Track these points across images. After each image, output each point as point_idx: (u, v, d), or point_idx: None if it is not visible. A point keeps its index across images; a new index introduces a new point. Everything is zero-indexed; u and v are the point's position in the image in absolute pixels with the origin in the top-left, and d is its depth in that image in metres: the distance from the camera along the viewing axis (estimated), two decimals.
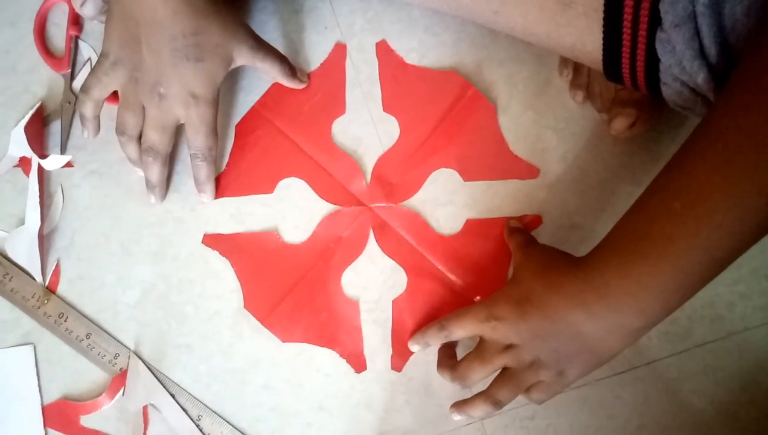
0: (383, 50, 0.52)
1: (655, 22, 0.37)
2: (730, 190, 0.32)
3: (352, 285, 0.49)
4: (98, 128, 0.49)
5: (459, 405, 0.44)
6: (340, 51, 0.51)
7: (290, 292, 0.49)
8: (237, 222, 0.50)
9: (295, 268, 0.49)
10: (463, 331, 0.44)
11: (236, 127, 0.51)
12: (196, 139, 0.46)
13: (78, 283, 0.49)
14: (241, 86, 0.51)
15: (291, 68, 0.49)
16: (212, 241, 0.50)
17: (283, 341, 0.48)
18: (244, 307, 0.49)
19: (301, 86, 0.50)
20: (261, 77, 0.51)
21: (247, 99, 0.51)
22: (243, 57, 0.45)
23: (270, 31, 0.52)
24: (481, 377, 0.43)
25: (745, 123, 0.32)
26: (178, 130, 0.48)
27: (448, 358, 0.46)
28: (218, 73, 0.44)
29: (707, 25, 0.34)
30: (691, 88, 0.37)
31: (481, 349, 0.43)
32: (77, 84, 0.52)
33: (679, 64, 0.36)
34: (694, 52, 0.35)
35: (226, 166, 0.50)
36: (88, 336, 0.48)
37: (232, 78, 0.51)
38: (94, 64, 0.51)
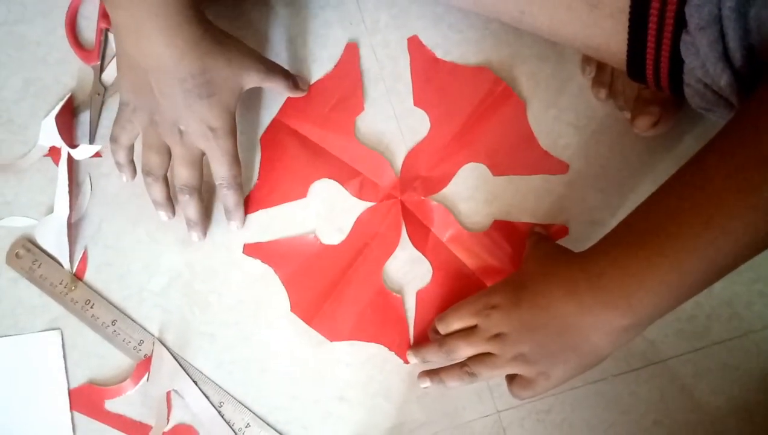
0: (415, 45, 0.52)
1: (680, 24, 0.37)
2: (743, 197, 0.32)
3: (392, 279, 0.50)
4: (134, 172, 0.49)
5: (431, 372, 0.46)
6: (351, 51, 0.52)
7: (333, 291, 0.49)
8: (269, 230, 0.51)
9: (336, 267, 0.50)
10: (460, 321, 0.45)
11: (261, 139, 0.51)
12: (221, 169, 0.46)
13: (105, 270, 0.51)
14: (260, 99, 0.52)
15: (294, 81, 0.50)
16: (253, 250, 0.50)
17: (331, 341, 0.49)
18: (291, 311, 0.50)
19: (303, 94, 0.51)
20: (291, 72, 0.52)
21: (266, 112, 0.52)
22: (252, 82, 0.46)
23: (295, 26, 0.53)
24: (464, 356, 0.44)
25: (765, 136, 0.32)
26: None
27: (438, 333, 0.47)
28: (231, 103, 0.45)
29: (733, 29, 0.35)
30: (713, 91, 0.38)
31: (470, 331, 0.44)
32: (106, 76, 0.53)
33: (703, 66, 0.36)
34: (717, 55, 0.35)
35: (258, 179, 0.51)
36: (113, 322, 0.49)
37: (249, 95, 0.52)
38: None
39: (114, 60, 0.53)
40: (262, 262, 0.50)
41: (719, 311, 0.49)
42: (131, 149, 0.48)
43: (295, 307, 0.50)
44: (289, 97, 0.52)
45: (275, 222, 0.51)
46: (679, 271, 0.35)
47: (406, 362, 0.49)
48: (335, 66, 0.52)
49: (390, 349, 0.49)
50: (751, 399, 0.48)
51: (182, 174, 0.46)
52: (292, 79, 0.50)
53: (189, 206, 0.48)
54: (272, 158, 0.51)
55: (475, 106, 0.51)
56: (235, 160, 0.47)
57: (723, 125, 0.36)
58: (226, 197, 0.48)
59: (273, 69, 0.48)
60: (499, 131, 0.51)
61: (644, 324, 0.37)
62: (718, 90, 0.37)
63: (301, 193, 0.51)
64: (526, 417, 0.48)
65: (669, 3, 0.37)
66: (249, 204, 0.51)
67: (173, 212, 0.50)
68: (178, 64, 0.42)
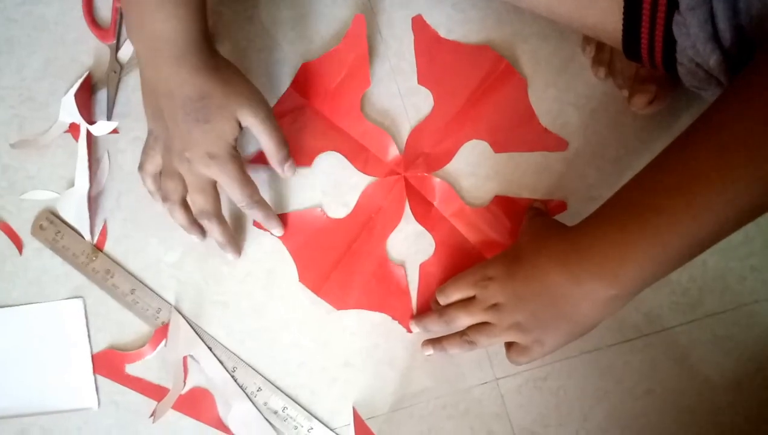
0: (419, 25, 0.53)
1: (673, 4, 0.38)
2: (726, 173, 0.34)
3: (395, 251, 0.52)
4: None
5: (434, 340, 0.48)
6: (359, 23, 0.52)
7: (339, 263, 0.52)
8: (278, 194, 0.53)
9: (341, 240, 0.52)
10: (459, 292, 0.47)
11: (273, 109, 0.53)
12: (233, 192, 0.47)
13: (123, 241, 0.53)
14: (281, 60, 0.54)
15: (286, 155, 0.49)
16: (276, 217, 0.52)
17: (338, 309, 0.51)
18: (300, 281, 0.52)
19: (283, 175, 0.50)
20: (296, 52, 0.54)
21: (288, 73, 0.54)
22: (246, 120, 0.46)
23: (302, 6, 0.54)
24: (463, 325, 0.47)
25: (749, 115, 0.34)
26: None
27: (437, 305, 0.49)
28: (227, 131, 0.45)
29: (722, 9, 0.36)
30: (705, 70, 0.39)
31: (469, 301, 0.46)
32: (122, 54, 0.55)
33: (694, 46, 0.38)
34: (707, 35, 0.37)
35: None
36: (132, 291, 0.52)
37: (270, 53, 0.54)
38: None
39: (129, 39, 0.55)
40: (272, 234, 0.52)
41: (712, 285, 0.50)
42: (157, 177, 0.50)
43: (303, 278, 0.52)
44: (300, 70, 0.53)
45: (283, 197, 0.53)
46: (663, 244, 0.36)
47: (409, 331, 0.51)
48: (343, 39, 0.53)
49: (393, 318, 0.51)
50: (741, 369, 0.50)
51: (196, 201, 0.47)
52: (286, 152, 0.49)
53: (213, 230, 0.49)
54: (282, 126, 0.52)
55: (477, 84, 0.52)
56: (245, 182, 0.47)
57: (707, 107, 0.37)
58: (253, 214, 0.50)
59: (273, 126, 0.48)
60: (500, 109, 0.52)
61: (631, 294, 0.39)
62: (708, 69, 0.38)
63: (307, 162, 0.53)
64: (524, 384, 0.50)
65: None
66: (256, 160, 0.52)
67: (203, 234, 0.51)
68: (180, 88, 0.44)
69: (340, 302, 0.51)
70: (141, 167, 0.49)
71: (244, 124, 0.47)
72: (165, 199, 0.48)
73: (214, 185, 0.47)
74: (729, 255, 0.50)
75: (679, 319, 0.50)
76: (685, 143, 0.37)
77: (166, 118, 0.45)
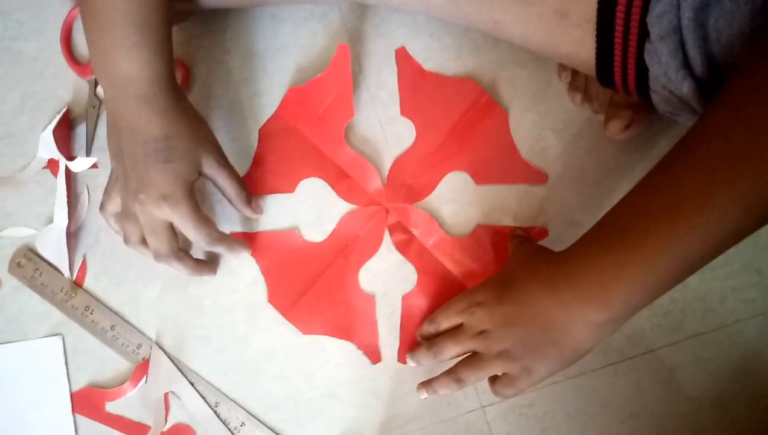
0: (403, 56, 0.54)
1: (645, 33, 0.39)
2: (709, 195, 0.34)
3: (367, 281, 0.52)
4: None
5: (426, 383, 0.47)
6: (343, 52, 0.52)
7: (311, 287, 0.51)
8: (256, 221, 0.53)
9: (315, 264, 0.52)
10: (448, 321, 0.47)
11: (260, 130, 0.53)
12: (189, 234, 0.46)
13: (103, 277, 0.53)
14: (261, 92, 0.54)
15: (248, 196, 0.50)
16: (239, 238, 0.52)
17: (304, 333, 0.51)
18: (268, 301, 0.51)
19: (254, 216, 0.51)
20: (276, 83, 0.54)
21: (269, 105, 0.54)
22: (209, 166, 0.46)
23: (282, 37, 0.55)
24: (452, 355, 0.46)
25: (729, 136, 0.34)
26: None
27: (430, 334, 0.49)
28: (187, 172, 0.45)
29: (692, 38, 0.36)
30: (678, 97, 0.39)
31: (457, 330, 0.46)
32: (101, 90, 0.55)
33: (666, 74, 0.38)
34: (678, 63, 0.37)
35: (250, 167, 0.53)
36: (112, 327, 0.51)
37: (250, 85, 0.54)
38: None
39: None
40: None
41: (694, 306, 0.50)
42: (120, 216, 0.48)
43: (272, 298, 0.52)
44: (288, 93, 0.53)
45: (263, 220, 0.53)
46: (650, 267, 0.36)
47: (374, 362, 0.51)
48: (327, 67, 0.53)
49: (359, 347, 0.51)
50: (725, 390, 0.50)
51: (151, 244, 0.46)
52: (246, 193, 0.49)
53: (176, 267, 0.47)
54: (267, 149, 0.53)
55: (459, 116, 0.53)
56: (201, 222, 0.46)
57: (687, 130, 0.37)
58: (215, 250, 0.49)
59: (231, 170, 0.48)
60: (482, 142, 0.52)
61: (621, 319, 0.39)
62: (681, 96, 0.39)
63: (290, 188, 0.53)
64: (510, 411, 0.50)
65: (633, 13, 0.39)
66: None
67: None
68: (146, 126, 0.44)
69: (306, 326, 0.51)
70: (102, 208, 0.49)
71: (206, 169, 0.46)
72: (126, 240, 0.47)
73: (168, 226, 0.46)
74: (709, 275, 0.51)
75: (662, 341, 0.50)
76: (668, 166, 0.37)
77: (125, 156, 0.44)
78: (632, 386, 0.50)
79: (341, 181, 0.53)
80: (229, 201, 0.49)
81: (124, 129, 0.44)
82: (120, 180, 0.46)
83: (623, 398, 0.50)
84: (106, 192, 0.48)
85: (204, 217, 0.46)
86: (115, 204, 0.48)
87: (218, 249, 0.48)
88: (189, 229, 0.46)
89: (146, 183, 0.44)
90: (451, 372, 0.46)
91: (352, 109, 0.53)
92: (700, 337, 0.50)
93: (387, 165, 0.53)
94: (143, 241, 0.47)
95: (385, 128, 0.53)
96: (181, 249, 0.47)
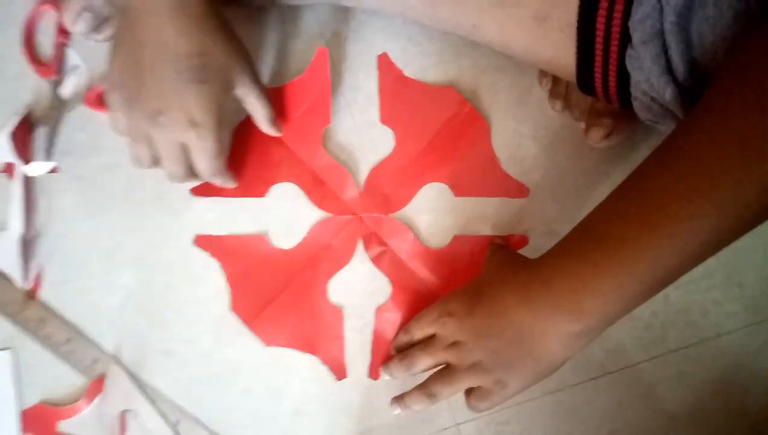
0: (384, 63, 0.52)
1: (626, 38, 0.37)
2: (688, 201, 0.33)
3: (336, 293, 0.50)
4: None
5: (398, 398, 0.45)
6: (322, 55, 0.51)
7: (278, 296, 0.49)
8: (223, 228, 0.50)
9: (283, 272, 0.50)
10: (420, 331, 0.45)
11: (234, 131, 0.51)
12: (200, 163, 0.44)
13: (60, 288, 0.50)
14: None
15: (275, 115, 0.48)
16: (204, 242, 0.50)
17: (267, 344, 0.49)
18: (231, 309, 0.49)
19: (277, 134, 0.49)
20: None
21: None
22: (244, 85, 0.44)
23: (257, 40, 0.53)
24: (423, 367, 0.44)
25: (713, 141, 0.33)
26: None
27: (405, 344, 0.47)
28: (219, 97, 0.42)
29: (675, 42, 0.35)
30: (660, 104, 0.38)
31: (430, 341, 0.44)
32: (64, 90, 0.52)
33: (648, 80, 0.37)
34: (661, 69, 0.36)
35: None
36: (68, 341, 0.49)
37: None
38: (80, 71, 0.52)
39: (72, 74, 0.52)
40: (211, 255, 0.50)
41: (675, 319, 0.49)
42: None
43: (236, 306, 0.49)
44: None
45: (231, 217, 0.51)
46: (627, 275, 0.35)
47: (338, 378, 0.49)
48: (306, 70, 0.51)
49: (323, 361, 0.49)
50: (707, 405, 0.49)
51: (167, 167, 0.44)
52: (274, 113, 0.48)
53: (189, 183, 0.47)
54: (241, 150, 0.51)
55: (440, 125, 0.51)
56: (216, 157, 0.44)
57: (667, 136, 0.36)
58: (212, 181, 0.47)
59: (264, 88, 0.46)
60: (463, 153, 0.51)
61: (596, 329, 0.38)
62: (663, 103, 0.38)
63: (261, 192, 0.51)
64: (485, 429, 0.48)
65: (614, 18, 0.38)
66: (208, 188, 0.50)
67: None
68: (177, 40, 0.40)
69: (271, 338, 0.49)
70: (113, 129, 0.45)
71: (238, 89, 0.44)
72: (136, 164, 0.45)
73: (183, 150, 0.44)
74: (691, 288, 0.50)
75: (642, 355, 0.49)
76: (647, 172, 0.36)
77: (147, 72, 0.41)
78: (612, 402, 0.49)
79: (316, 187, 0.51)
80: (255, 120, 0.47)
81: (149, 43, 0.40)
82: (125, 97, 0.42)
83: (603, 414, 0.48)
84: (110, 111, 0.44)
85: (222, 150, 0.44)
86: (122, 123, 0.44)
87: (217, 181, 0.47)
88: (203, 160, 0.44)
89: (172, 104, 0.41)
90: (422, 386, 0.44)
91: (329, 115, 0.51)
92: (681, 352, 0.49)
93: (363, 172, 0.51)
94: (154, 163, 0.45)
95: (362, 134, 0.52)
96: None
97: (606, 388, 0.49)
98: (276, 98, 0.51)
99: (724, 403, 0.49)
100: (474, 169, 0.51)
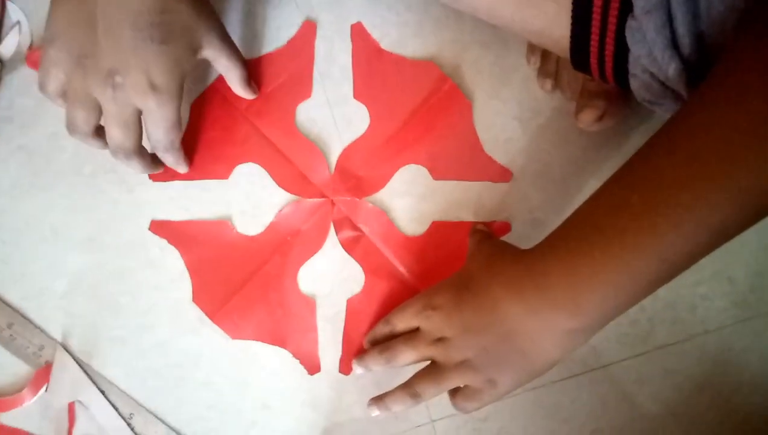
0: (358, 33, 0.48)
1: (626, 8, 0.34)
2: (696, 187, 0.30)
3: (308, 282, 0.47)
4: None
5: (377, 398, 0.42)
6: (309, 29, 0.48)
7: (243, 286, 0.46)
8: (183, 208, 0.47)
9: (249, 261, 0.46)
10: (402, 323, 0.42)
11: (192, 105, 0.47)
12: (156, 132, 0.41)
13: (1, 268, 0.46)
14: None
15: (249, 77, 0.45)
16: (160, 228, 0.46)
17: (233, 338, 0.46)
18: (193, 301, 0.46)
19: (252, 96, 0.46)
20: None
21: (204, 75, 0.48)
22: (212, 48, 0.41)
23: (229, 8, 0.48)
24: (407, 361, 0.41)
25: (721, 123, 0.30)
26: None
27: (385, 335, 0.44)
28: (184, 59, 0.39)
29: (682, 13, 0.32)
30: (660, 82, 0.35)
31: (414, 334, 0.41)
32: (4, 49, 0.48)
33: (650, 54, 0.34)
34: (666, 41, 0.33)
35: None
36: (10, 325, 0.45)
37: None
38: (22, 28, 0.47)
39: (12, 31, 0.48)
40: (168, 242, 0.46)
41: (662, 315, 0.47)
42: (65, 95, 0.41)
43: (198, 298, 0.46)
44: None
45: (191, 195, 0.47)
46: (627, 269, 0.32)
47: (311, 373, 0.46)
48: (288, 42, 0.47)
49: (294, 356, 0.46)
50: (692, 405, 0.47)
51: (115, 136, 0.40)
52: (248, 72, 0.45)
53: (132, 165, 0.42)
54: (200, 128, 0.47)
55: (419, 103, 0.48)
56: (175, 126, 0.41)
57: (672, 115, 0.33)
58: (164, 158, 0.43)
59: (235, 48, 0.43)
60: (442, 133, 0.48)
61: (594, 327, 0.35)
62: (665, 80, 0.35)
63: (224, 174, 0.47)
64: (462, 426, 0.46)
65: None
66: (167, 172, 0.46)
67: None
68: None
69: (236, 331, 0.46)
70: (42, 87, 0.40)
71: (206, 51, 0.41)
72: (73, 130, 0.41)
73: (139, 118, 0.40)
74: (678, 282, 0.46)
75: (628, 352, 0.47)
76: (649, 156, 0.33)
77: (101, 30, 0.37)
78: (596, 400, 0.46)
79: (282, 168, 0.47)
80: (228, 82, 0.44)
81: None
82: (73, 55, 0.38)
83: (586, 413, 0.46)
84: (43, 67, 0.40)
85: (179, 121, 0.41)
86: (59, 81, 0.40)
87: (169, 158, 0.43)
88: (160, 128, 0.40)
89: (130, 65, 0.38)
90: (406, 386, 0.41)
91: (309, 90, 0.47)
92: (667, 348, 0.47)
93: (335, 152, 0.48)
94: (95, 132, 0.41)
95: (335, 110, 0.48)
96: None
97: (589, 386, 0.46)
98: (250, 70, 0.47)
99: (711, 402, 0.47)
100: (454, 151, 0.48)
